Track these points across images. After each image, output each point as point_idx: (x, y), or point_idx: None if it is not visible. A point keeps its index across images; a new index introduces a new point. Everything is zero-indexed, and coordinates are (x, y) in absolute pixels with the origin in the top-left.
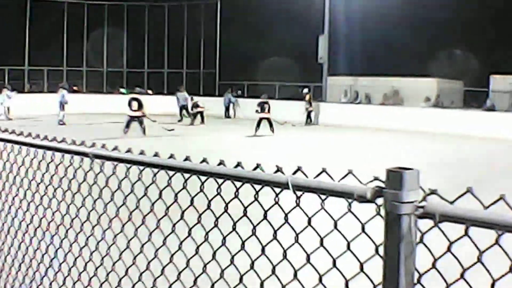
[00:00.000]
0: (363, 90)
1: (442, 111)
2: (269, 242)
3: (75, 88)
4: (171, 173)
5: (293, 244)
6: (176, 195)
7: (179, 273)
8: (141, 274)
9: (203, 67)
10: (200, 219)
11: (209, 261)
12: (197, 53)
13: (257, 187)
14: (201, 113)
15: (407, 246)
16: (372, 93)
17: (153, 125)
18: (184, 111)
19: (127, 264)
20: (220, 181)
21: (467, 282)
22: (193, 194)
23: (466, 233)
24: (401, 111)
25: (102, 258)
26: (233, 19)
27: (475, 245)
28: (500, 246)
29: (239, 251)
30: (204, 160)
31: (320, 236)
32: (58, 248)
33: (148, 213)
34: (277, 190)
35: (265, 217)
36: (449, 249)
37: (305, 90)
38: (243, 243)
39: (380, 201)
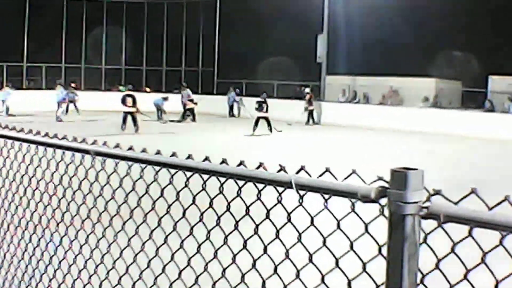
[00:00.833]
0: (361, 90)
1: (440, 111)
2: (271, 241)
3: (73, 85)
4: (173, 171)
5: (296, 243)
6: (178, 193)
7: (180, 272)
8: (141, 272)
9: (201, 65)
10: (202, 218)
11: (211, 260)
12: (196, 51)
13: (260, 186)
14: (192, 110)
15: (411, 246)
16: (371, 92)
17: (148, 122)
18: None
19: (127, 262)
20: (222, 179)
21: (470, 283)
22: (195, 193)
23: (470, 234)
24: (399, 111)
25: (103, 256)
26: (232, 17)
27: (479, 246)
28: (504, 247)
29: (241, 250)
30: (206, 159)
31: (322, 236)
32: (58, 246)
33: (149, 211)
34: (280, 189)
35: (267, 216)
36: (452, 250)
37: (307, 90)
38: (245, 242)
39: (383, 201)
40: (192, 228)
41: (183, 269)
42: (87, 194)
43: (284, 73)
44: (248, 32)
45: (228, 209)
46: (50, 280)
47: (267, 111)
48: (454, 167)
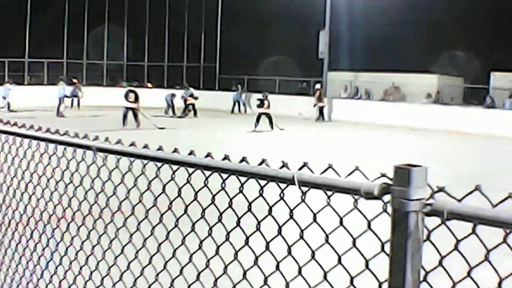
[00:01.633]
0: (363, 86)
1: (442, 108)
2: (273, 238)
3: (74, 80)
4: (174, 167)
5: (298, 240)
6: (179, 189)
7: (182, 268)
8: (143, 269)
9: (203, 61)
10: (203, 214)
11: (212, 257)
12: (198, 47)
13: (262, 182)
14: (193, 105)
15: (414, 243)
16: (373, 88)
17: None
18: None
19: (129, 259)
20: (224, 176)
21: (474, 281)
22: (197, 189)
23: (473, 231)
24: (401, 107)
25: (104, 252)
26: (234, 13)
27: (483, 244)
28: (508, 245)
29: (243, 246)
30: (208, 155)
31: (325, 233)
32: (60, 242)
33: (150, 208)
34: (282, 185)
35: (269, 213)
36: (456, 247)
37: (317, 86)
38: (247, 238)
39: (386, 198)
40: (193, 224)
41: (185, 265)
42: (89, 190)
43: (286, 69)
44: (250, 28)
45: (230, 205)
46: (51, 277)
47: (268, 107)
48: (456, 163)
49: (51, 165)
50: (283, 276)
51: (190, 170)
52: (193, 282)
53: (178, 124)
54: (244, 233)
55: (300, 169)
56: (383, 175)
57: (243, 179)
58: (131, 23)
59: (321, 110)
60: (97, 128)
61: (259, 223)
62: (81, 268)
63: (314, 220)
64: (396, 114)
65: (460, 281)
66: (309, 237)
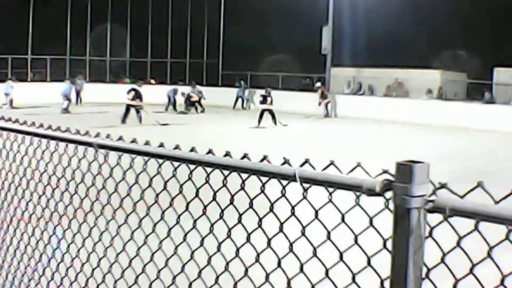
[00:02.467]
0: (366, 82)
1: (445, 103)
2: (275, 235)
3: (80, 76)
4: (176, 164)
5: (300, 237)
6: (181, 186)
7: (184, 265)
8: (144, 266)
9: (206, 57)
10: (205, 211)
11: (214, 253)
12: (201, 43)
13: (264, 179)
14: (199, 102)
15: (416, 240)
16: (376, 84)
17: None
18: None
19: (130, 256)
20: (226, 172)
21: (476, 277)
22: (198, 185)
23: (476, 228)
24: (404, 103)
25: (106, 249)
26: (237, 8)
27: (485, 240)
28: (510, 241)
29: (244, 243)
30: (210, 151)
31: (327, 230)
32: (61, 239)
33: (152, 204)
34: (284, 182)
35: (271, 209)
36: (458, 244)
37: (318, 84)
38: (248, 235)
39: (388, 194)
40: (195, 221)
41: (186, 262)
42: (90, 187)
43: (289, 65)
44: (253, 24)
45: (231, 202)
46: (53, 274)
47: (271, 103)
48: (459, 159)
49: (52, 162)
50: (285, 273)
51: (192, 166)
52: (195, 279)
53: (181, 120)
54: (246, 230)
55: (301, 165)
56: (385, 172)
57: (244, 175)
58: (134, 19)
59: (327, 106)
60: (100, 125)
61: (260, 220)
62: (82, 265)
63: (316, 217)
64: (399, 110)
65: (463, 278)
66: (311, 234)
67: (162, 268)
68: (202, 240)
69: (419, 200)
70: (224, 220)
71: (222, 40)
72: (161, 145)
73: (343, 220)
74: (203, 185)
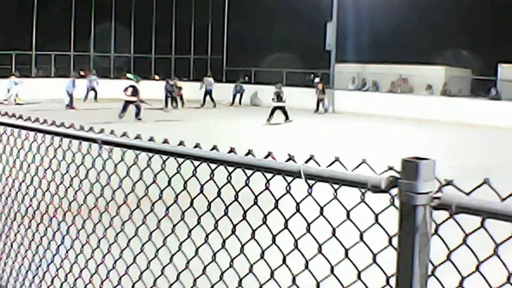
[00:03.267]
0: (371, 78)
1: (449, 99)
2: (280, 232)
3: (81, 73)
4: (180, 160)
5: (305, 234)
6: (185, 182)
7: (188, 262)
8: (149, 262)
9: (210, 53)
10: (209, 207)
11: (218, 250)
12: (205, 39)
13: (268, 175)
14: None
15: (422, 237)
16: (380, 80)
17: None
18: (207, 97)
19: (135, 252)
20: (230, 169)
21: (482, 275)
22: (202, 182)
23: (482, 225)
24: (408, 99)
25: (110, 246)
26: (241, 4)
27: (491, 238)
28: None
29: (249, 240)
30: (214, 148)
31: (332, 226)
32: (65, 235)
33: (157, 201)
34: (289, 178)
35: (276, 206)
36: (464, 241)
37: (317, 80)
38: (253, 232)
39: (394, 191)
40: (199, 217)
41: (191, 259)
42: (94, 183)
43: (293, 61)
44: (257, 20)
45: (236, 198)
46: (57, 270)
47: (284, 100)
48: (464, 155)
49: (56, 158)
50: (290, 270)
51: (196, 163)
52: (199, 276)
53: (188, 116)
54: (251, 226)
55: (306, 162)
56: (391, 168)
57: (249, 172)
58: (138, 15)
59: (319, 102)
60: (99, 120)
61: (265, 216)
62: (87, 261)
63: (321, 213)
64: (404, 106)
65: (469, 275)
66: (316, 231)
67: (166, 265)
68: (207, 236)
69: (425, 197)
70: (228, 217)
71: (226, 36)
72: (165, 141)
73: (348, 217)
74: (207, 181)
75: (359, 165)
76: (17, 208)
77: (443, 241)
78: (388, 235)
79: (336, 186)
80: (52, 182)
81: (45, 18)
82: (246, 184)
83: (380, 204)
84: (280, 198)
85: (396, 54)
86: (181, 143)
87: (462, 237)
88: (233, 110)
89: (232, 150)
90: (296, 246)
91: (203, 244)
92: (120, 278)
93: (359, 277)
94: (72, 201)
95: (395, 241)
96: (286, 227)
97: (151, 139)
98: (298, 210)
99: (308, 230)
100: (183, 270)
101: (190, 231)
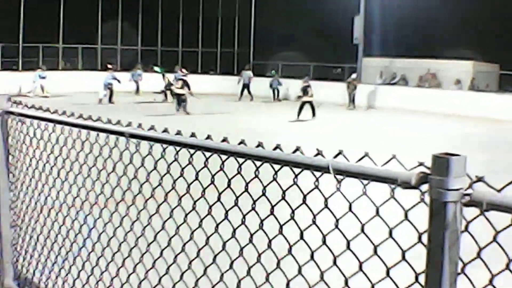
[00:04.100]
0: (399, 72)
1: (477, 94)
2: (308, 227)
3: (109, 66)
4: (207, 154)
5: (333, 229)
6: (212, 176)
7: (215, 256)
8: (175, 256)
9: (237, 47)
10: (237, 202)
11: (246, 245)
12: (232, 32)
13: (296, 170)
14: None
15: (452, 234)
16: (408, 75)
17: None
18: (245, 90)
19: (162, 246)
20: (258, 163)
21: None
22: (230, 176)
23: None
24: (436, 94)
25: (137, 239)
26: None
27: None
28: None
29: (277, 235)
30: (242, 142)
31: (361, 222)
32: (92, 228)
33: (183, 195)
34: (317, 174)
35: (304, 201)
36: (494, 239)
37: (353, 76)
38: (281, 227)
39: (424, 187)
40: (227, 212)
41: (218, 253)
42: (121, 176)
43: (320, 54)
44: (284, 13)
45: (263, 193)
46: (83, 263)
47: (312, 95)
48: (493, 151)
49: (83, 151)
50: (318, 266)
51: (223, 157)
52: (226, 271)
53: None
54: (278, 221)
55: (335, 157)
56: (421, 164)
57: (276, 167)
58: (165, 8)
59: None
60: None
61: (293, 211)
62: (114, 254)
63: (350, 209)
64: (432, 101)
65: (499, 273)
66: (344, 227)
67: (193, 259)
68: (234, 231)
69: (456, 194)
70: (256, 211)
71: (253, 30)
72: (193, 135)
73: (377, 213)
74: (235, 175)
75: (388, 161)
76: (43, 201)
77: (474, 238)
78: (418, 231)
79: (365, 182)
80: (79, 175)
81: (72, 11)
82: (274, 179)
83: (409, 200)
84: (308, 193)
85: (423, 48)
86: (208, 137)
87: (492, 234)
88: (266, 105)
89: (260, 145)
90: (324, 242)
91: (230, 238)
92: (146, 272)
93: (388, 274)
94: (99, 194)
95: (424, 238)
96: (314, 222)
97: (178, 133)
98: (326, 206)
99: (336, 226)
100: (210, 265)
101: (217, 225)
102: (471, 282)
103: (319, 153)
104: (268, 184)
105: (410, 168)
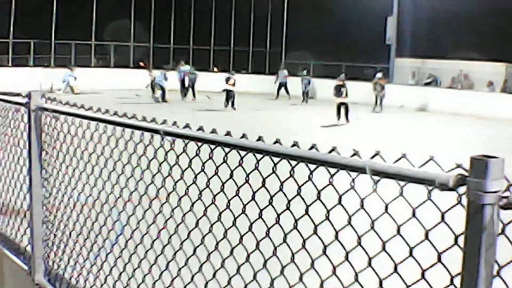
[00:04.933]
0: (431, 73)
1: (509, 97)
2: (343, 228)
3: (141, 64)
4: (242, 153)
5: (368, 231)
6: (247, 175)
7: (248, 256)
8: (209, 254)
9: (269, 46)
10: (271, 201)
11: (280, 244)
12: (264, 32)
13: (332, 170)
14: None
15: (489, 237)
16: (440, 76)
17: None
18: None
19: (195, 243)
20: (293, 163)
21: None
22: (265, 175)
23: None
24: (469, 95)
25: (170, 237)
26: None
27: None
28: None
29: (311, 235)
30: (277, 141)
31: (396, 224)
32: (125, 225)
33: (218, 193)
34: (353, 174)
35: (339, 201)
36: None
37: (379, 75)
38: (315, 227)
39: (461, 189)
40: (261, 211)
41: (251, 252)
42: (156, 174)
43: (352, 54)
44: (317, 13)
45: (298, 193)
46: (116, 260)
47: (347, 95)
48: None
49: (118, 148)
50: (352, 267)
51: (258, 156)
52: (259, 270)
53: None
54: (313, 221)
55: (372, 158)
56: (458, 166)
57: (312, 167)
58: (197, 7)
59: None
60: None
61: (328, 212)
62: (146, 252)
63: (386, 210)
64: (464, 102)
65: None
66: (379, 228)
67: (226, 258)
68: (268, 230)
69: (493, 197)
70: (290, 211)
71: (286, 29)
72: (228, 134)
73: (413, 215)
74: (269, 175)
75: (426, 162)
76: (76, 197)
77: (510, 241)
78: (454, 234)
79: (401, 183)
80: (113, 172)
81: (105, 9)
82: (309, 179)
83: (443, 202)
84: (344, 194)
85: (455, 49)
86: (243, 136)
87: None
88: (302, 105)
89: (295, 144)
90: (359, 243)
91: (263, 238)
92: (179, 270)
93: (423, 276)
94: (133, 191)
95: (460, 240)
96: (349, 223)
97: (213, 131)
98: (362, 207)
99: (372, 227)
100: (243, 264)
101: (251, 224)
102: (506, 285)
103: (355, 153)
104: (303, 184)
105: (447, 170)
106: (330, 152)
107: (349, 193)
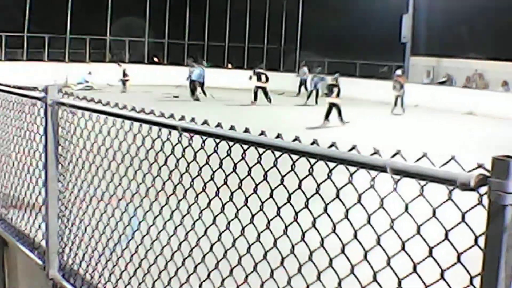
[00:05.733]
0: (445, 72)
1: None
2: (361, 227)
3: (155, 59)
4: (261, 150)
5: (388, 230)
6: (265, 173)
7: (266, 253)
8: (226, 252)
9: (284, 43)
10: (290, 199)
11: (297, 243)
12: (279, 28)
13: (352, 169)
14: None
15: (510, 238)
16: (455, 75)
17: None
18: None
19: (212, 240)
20: (312, 161)
21: None
22: (283, 173)
23: None
24: (484, 95)
25: (187, 233)
26: None
27: None
28: None
29: (329, 234)
30: (296, 139)
31: (416, 223)
32: (141, 221)
33: (235, 190)
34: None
35: (359, 200)
36: None
37: (398, 72)
38: (334, 226)
39: (482, 190)
40: (279, 209)
41: (268, 250)
42: (173, 170)
43: (367, 52)
44: (332, 11)
45: (317, 191)
46: (131, 255)
47: (338, 96)
48: None
49: (135, 143)
50: (371, 266)
51: (277, 153)
52: (276, 268)
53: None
54: (331, 220)
55: (392, 156)
56: (480, 166)
57: (331, 165)
58: (212, 3)
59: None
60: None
61: (347, 210)
62: (162, 248)
63: (406, 210)
64: (479, 102)
65: None
66: (398, 227)
67: (243, 255)
68: (286, 228)
69: None
70: (309, 209)
71: (301, 27)
72: (246, 131)
73: (434, 214)
74: (288, 172)
75: (447, 162)
76: (92, 192)
77: None
78: (474, 234)
79: (422, 183)
80: (130, 168)
81: (120, 5)
82: (329, 177)
83: (463, 202)
84: (363, 193)
85: (470, 49)
86: (262, 133)
87: None
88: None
89: (314, 142)
90: (378, 242)
91: (281, 236)
92: (196, 266)
93: (442, 276)
94: (149, 187)
95: (481, 241)
96: (368, 222)
97: (231, 128)
98: (382, 206)
99: (392, 227)
100: (260, 262)
101: (268, 222)
102: None
103: (376, 152)
104: (322, 182)
105: (469, 170)
106: (350, 150)
107: (364, 191)
